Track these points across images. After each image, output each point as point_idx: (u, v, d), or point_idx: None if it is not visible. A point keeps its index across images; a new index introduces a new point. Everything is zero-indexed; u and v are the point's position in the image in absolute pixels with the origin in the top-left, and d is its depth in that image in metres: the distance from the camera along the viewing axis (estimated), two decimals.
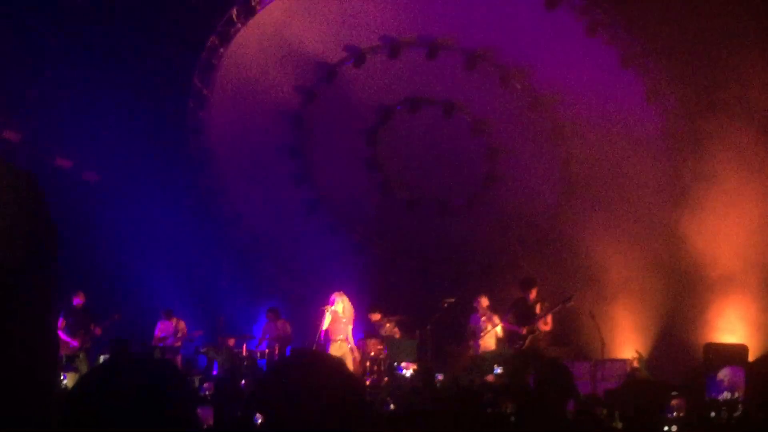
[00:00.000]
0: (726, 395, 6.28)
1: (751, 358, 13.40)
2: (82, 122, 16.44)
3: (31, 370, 2.90)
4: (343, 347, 15.76)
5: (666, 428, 6.01)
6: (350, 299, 17.48)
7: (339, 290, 15.95)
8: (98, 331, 15.83)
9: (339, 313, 15.72)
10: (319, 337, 15.77)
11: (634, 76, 17.16)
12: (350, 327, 15.91)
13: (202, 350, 17.28)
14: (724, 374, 6.43)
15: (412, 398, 10.37)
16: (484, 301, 16.07)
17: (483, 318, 15.93)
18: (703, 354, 13.52)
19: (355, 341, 17.22)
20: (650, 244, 16.93)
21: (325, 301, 15.83)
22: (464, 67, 18.06)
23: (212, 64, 17.53)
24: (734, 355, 12.85)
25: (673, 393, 6.28)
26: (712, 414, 6.27)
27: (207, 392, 10.19)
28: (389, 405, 9.97)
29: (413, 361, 15.63)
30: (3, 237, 2.85)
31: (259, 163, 18.68)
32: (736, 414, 6.11)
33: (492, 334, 15.89)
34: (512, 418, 5.15)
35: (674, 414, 6.33)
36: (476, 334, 15.92)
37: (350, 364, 15.60)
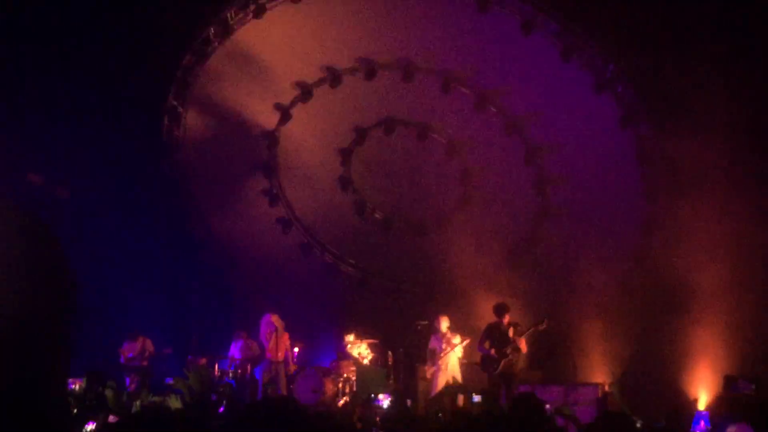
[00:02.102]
0: None
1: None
2: (55, 138, 16.31)
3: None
4: (280, 367, 16.22)
5: None
6: (322, 319, 17.70)
7: (273, 312, 16.40)
8: None
9: (279, 332, 16.24)
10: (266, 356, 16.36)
11: (607, 101, 17.34)
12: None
13: (171, 383, 17.05)
14: (732, 430, 6.41)
15: (388, 425, 10.35)
16: (444, 322, 15.94)
17: (443, 338, 15.84)
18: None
19: (327, 363, 17.34)
20: (624, 267, 17.07)
21: (270, 322, 16.28)
22: (440, 89, 18.14)
23: (188, 83, 17.49)
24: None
25: None
26: None
27: None
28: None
29: (384, 392, 15.46)
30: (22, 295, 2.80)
31: (234, 182, 18.65)
32: None
33: (454, 355, 15.78)
34: None
35: None
36: (435, 355, 15.82)
37: (283, 385, 16.22)
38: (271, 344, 16.46)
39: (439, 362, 15.61)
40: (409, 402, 14.71)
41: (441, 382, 15.48)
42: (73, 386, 14.49)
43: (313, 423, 3.51)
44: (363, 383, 15.94)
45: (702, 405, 14.14)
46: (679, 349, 15.54)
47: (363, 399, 15.17)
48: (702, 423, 8.91)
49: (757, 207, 14.91)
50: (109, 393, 13.00)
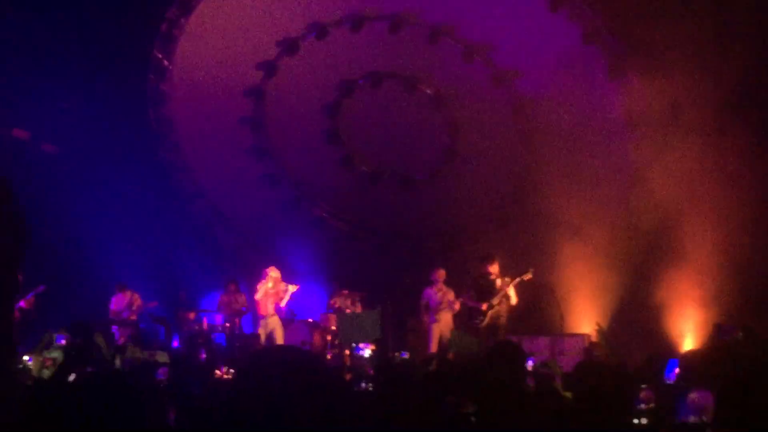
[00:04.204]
0: (693, 419, 6.34)
1: None
2: (41, 93, 16.23)
3: None
4: (273, 322, 16.34)
5: (636, 420, 6.13)
6: (310, 273, 17.69)
7: (272, 265, 16.61)
8: (24, 304, 15.36)
9: (269, 287, 16.37)
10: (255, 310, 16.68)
11: (596, 52, 17.25)
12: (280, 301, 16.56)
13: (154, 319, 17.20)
14: (693, 397, 6.49)
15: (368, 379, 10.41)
16: (442, 274, 16.03)
17: (440, 292, 15.90)
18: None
19: (316, 316, 17.40)
20: (610, 220, 17.09)
21: (265, 274, 16.47)
22: (427, 41, 18.02)
23: (173, 36, 17.36)
24: None
25: (643, 386, 6.38)
26: None
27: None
28: (363, 384, 9.97)
29: (371, 340, 15.47)
30: None
31: (220, 136, 18.54)
32: None
33: (448, 308, 15.87)
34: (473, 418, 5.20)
35: (643, 405, 6.45)
36: (430, 308, 15.88)
37: (280, 338, 16.37)
38: (259, 295, 16.47)
39: (435, 315, 15.71)
40: (407, 355, 14.77)
41: (435, 335, 15.60)
42: (63, 341, 14.50)
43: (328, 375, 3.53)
44: (345, 332, 15.97)
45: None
46: (666, 297, 15.64)
47: (346, 348, 15.22)
48: (676, 371, 9.01)
49: (745, 154, 14.92)
50: (97, 342, 13.05)
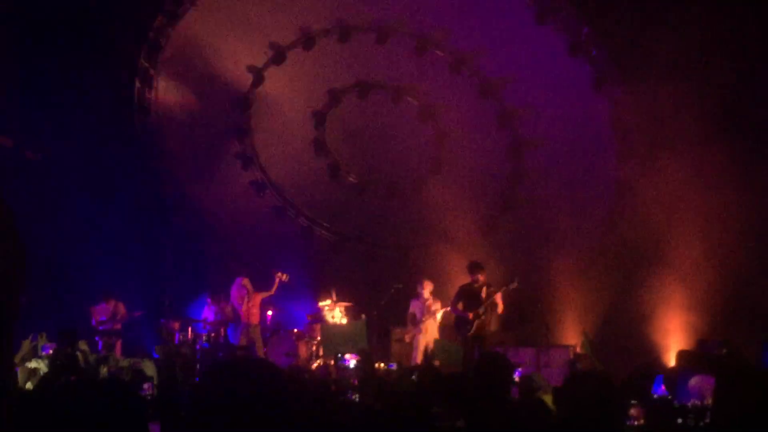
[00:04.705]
0: (695, 402, 6.35)
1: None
2: (25, 100, 16.14)
3: None
4: (255, 331, 16.72)
5: None
6: (296, 283, 17.70)
7: (244, 275, 16.89)
8: None
9: (250, 295, 16.74)
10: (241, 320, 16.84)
11: (581, 64, 17.34)
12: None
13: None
14: (695, 381, 6.50)
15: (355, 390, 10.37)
16: (429, 287, 16.01)
17: (426, 303, 15.88)
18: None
19: (300, 326, 17.35)
20: (598, 229, 17.14)
21: (241, 285, 16.86)
22: (414, 52, 18.06)
23: (159, 44, 17.32)
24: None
25: (633, 402, 6.37)
26: (679, 420, 6.35)
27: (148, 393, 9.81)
28: (352, 395, 9.92)
29: (357, 350, 15.39)
30: None
31: (206, 145, 18.50)
32: (705, 421, 6.18)
33: (434, 320, 15.86)
34: None
35: (633, 422, 6.44)
36: (416, 318, 15.86)
37: (260, 348, 16.66)
38: (244, 307, 16.56)
39: (420, 326, 15.69)
40: (395, 366, 14.74)
41: (421, 346, 15.59)
42: (49, 351, 14.35)
43: (286, 383, 3.50)
44: (330, 342, 15.94)
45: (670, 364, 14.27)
46: (653, 308, 15.66)
47: (331, 359, 15.17)
48: (663, 387, 9.02)
49: (729, 169, 14.96)
50: (79, 354, 12.94)
